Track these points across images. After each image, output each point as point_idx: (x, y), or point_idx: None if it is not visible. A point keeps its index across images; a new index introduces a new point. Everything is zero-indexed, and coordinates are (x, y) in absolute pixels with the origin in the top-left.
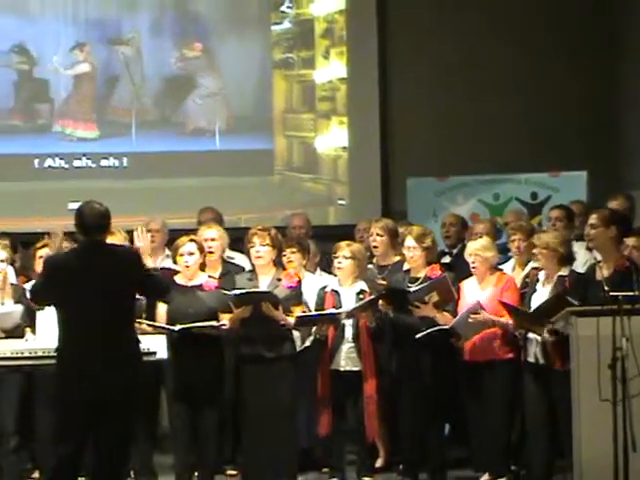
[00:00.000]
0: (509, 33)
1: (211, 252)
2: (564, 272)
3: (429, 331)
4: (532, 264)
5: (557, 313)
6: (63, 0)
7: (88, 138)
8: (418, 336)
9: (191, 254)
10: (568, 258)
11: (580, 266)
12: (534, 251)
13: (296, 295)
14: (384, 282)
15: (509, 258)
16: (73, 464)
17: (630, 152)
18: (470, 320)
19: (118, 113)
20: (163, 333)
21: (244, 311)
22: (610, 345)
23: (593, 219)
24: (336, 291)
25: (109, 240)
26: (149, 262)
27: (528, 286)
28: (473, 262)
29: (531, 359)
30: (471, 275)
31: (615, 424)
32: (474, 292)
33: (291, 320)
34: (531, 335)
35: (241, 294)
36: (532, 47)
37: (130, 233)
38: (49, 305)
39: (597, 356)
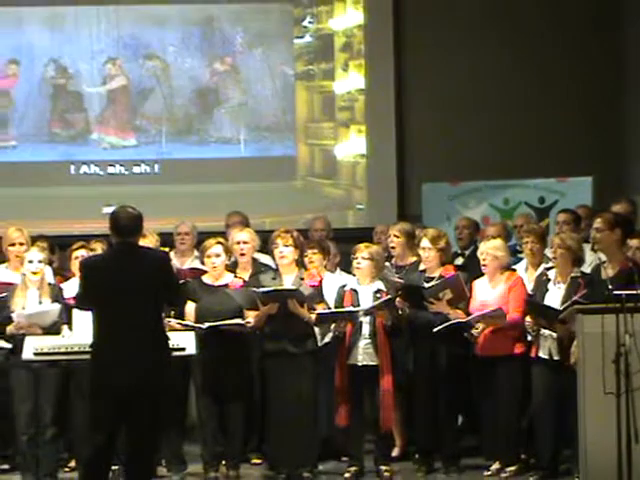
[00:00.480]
0: (518, 47)
1: (243, 254)
2: (575, 273)
3: (447, 324)
4: (544, 265)
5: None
6: (97, 17)
7: (121, 146)
8: (436, 329)
9: (218, 255)
10: (580, 260)
11: (586, 267)
12: (550, 250)
13: (317, 293)
14: (401, 280)
15: (519, 260)
16: (107, 453)
17: (632, 159)
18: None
19: (150, 123)
20: (192, 330)
21: (271, 308)
22: (614, 341)
23: (598, 223)
24: (355, 290)
25: (141, 242)
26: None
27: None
28: (484, 260)
29: (544, 354)
30: (483, 275)
31: (619, 416)
32: (485, 290)
33: (312, 317)
34: (546, 332)
35: (270, 291)
36: (539, 60)
37: (161, 236)
38: (92, 309)
39: (602, 351)
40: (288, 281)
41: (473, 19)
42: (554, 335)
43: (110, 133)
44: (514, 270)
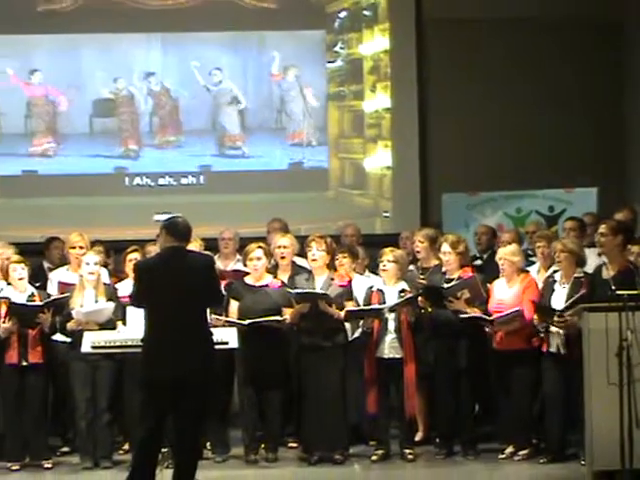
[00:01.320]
0: (530, 73)
1: (283, 257)
2: (578, 274)
3: (472, 316)
4: (554, 267)
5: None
6: (147, 42)
7: (170, 160)
8: (462, 316)
9: (259, 259)
10: (582, 261)
11: (591, 269)
12: (556, 254)
13: (347, 292)
14: (423, 281)
15: (530, 263)
16: (157, 437)
17: (633, 171)
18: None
19: (196, 138)
20: (234, 326)
21: (303, 307)
22: (617, 336)
23: (602, 229)
24: (381, 290)
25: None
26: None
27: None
28: (502, 264)
29: (553, 349)
30: (500, 276)
31: (621, 404)
32: (502, 290)
33: (342, 314)
34: (553, 329)
35: (302, 293)
36: (550, 82)
37: (206, 241)
38: (145, 307)
39: (606, 346)
40: (320, 282)
41: (492, 45)
42: (561, 332)
43: (160, 147)
44: (528, 272)
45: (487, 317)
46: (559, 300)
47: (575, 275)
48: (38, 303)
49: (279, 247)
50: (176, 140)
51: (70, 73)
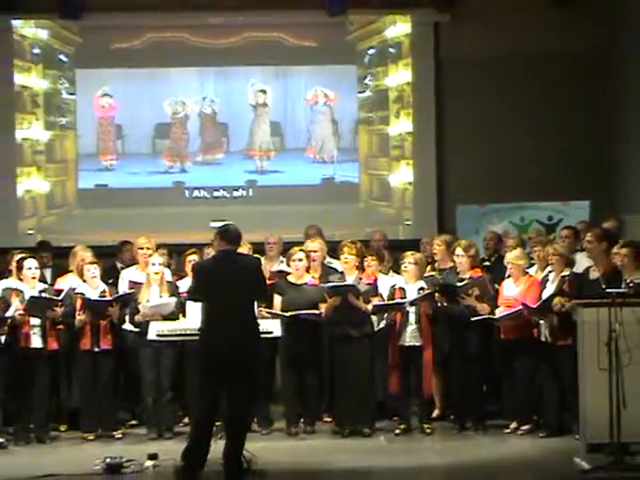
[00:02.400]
0: (532, 99)
1: (314, 259)
2: (565, 272)
3: (480, 318)
4: (549, 268)
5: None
6: (199, 75)
7: (223, 175)
8: (474, 319)
9: (300, 260)
10: (571, 263)
11: (581, 270)
12: (549, 257)
13: (373, 289)
14: (440, 281)
15: (532, 264)
16: (212, 412)
17: (620, 188)
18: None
19: (245, 157)
20: (278, 318)
21: (335, 300)
22: (607, 328)
23: (589, 237)
24: (403, 287)
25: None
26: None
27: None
28: (510, 267)
29: (543, 338)
30: (507, 277)
31: (610, 387)
32: (510, 288)
33: (369, 307)
34: (542, 322)
35: (334, 287)
36: (549, 110)
37: (254, 245)
38: (202, 301)
39: (597, 336)
40: (350, 280)
41: (499, 78)
42: (546, 324)
43: (210, 164)
44: (529, 274)
45: (493, 317)
46: (547, 296)
47: (562, 274)
48: (108, 298)
49: (309, 251)
50: (224, 158)
51: (137, 101)
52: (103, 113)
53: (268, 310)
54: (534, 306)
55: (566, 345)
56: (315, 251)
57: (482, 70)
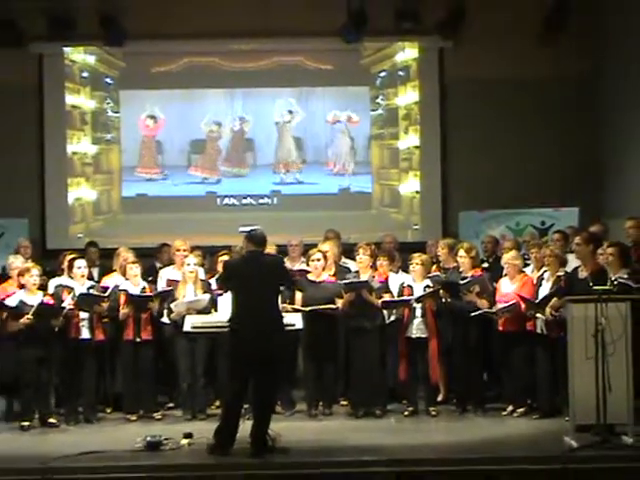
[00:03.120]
0: (527, 116)
1: (326, 258)
2: (560, 272)
3: (479, 312)
4: (544, 268)
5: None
6: (231, 96)
7: (251, 184)
8: (472, 314)
9: (319, 260)
10: (565, 262)
11: (570, 269)
12: (545, 258)
13: (385, 287)
14: (444, 279)
15: (526, 264)
16: (241, 396)
17: (606, 197)
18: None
19: (270, 169)
20: (299, 312)
21: (350, 296)
22: (593, 322)
23: (577, 240)
24: (411, 285)
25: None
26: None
27: (539, 283)
28: (507, 267)
29: (539, 331)
30: (504, 275)
31: (597, 374)
32: (507, 286)
33: (380, 303)
34: (538, 315)
35: (349, 283)
36: (543, 127)
37: (278, 247)
38: (227, 291)
39: (585, 329)
40: (364, 278)
41: (497, 98)
42: (543, 317)
43: (237, 176)
44: (524, 272)
45: (491, 311)
46: (543, 293)
47: (557, 274)
48: (148, 294)
49: (321, 251)
50: (251, 170)
51: (173, 118)
52: (147, 132)
53: (290, 305)
54: (530, 298)
55: (558, 337)
56: (327, 251)
57: (482, 91)
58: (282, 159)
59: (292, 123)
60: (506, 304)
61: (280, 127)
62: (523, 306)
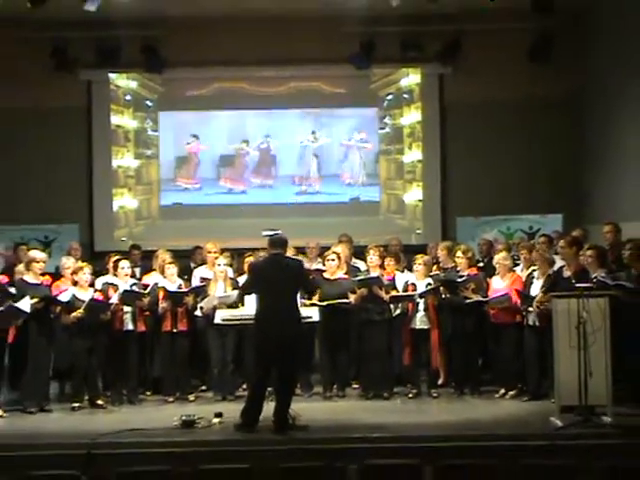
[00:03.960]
0: (516, 134)
1: (339, 259)
2: (550, 271)
3: (474, 300)
4: (533, 267)
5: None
6: (256, 118)
7: (271, 195)
8: (467, 302)
9: (333, 260)
10: (552, 263)
11: (555, 268)
12: (535, 258)
13: (392, 284)
14: (443, 277)
15: (517, 264)
16: (265, 380)
17: (586, 205)
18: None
19: (288, 180)
20: (316, 306)
21: (362, 292)
22: (576, 315)
23: (561, 243)
24: (414, 283)
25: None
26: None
27: (528, 281)
28: (498, 266)
29: (531, 323)
30: (496, 273)
31: (579, 361)
32: (498, 283)
33: (387, 298)
34: (530, 309)
35: (362, 279)
36: (530, 144)
37: (297, 249)
38: (251, 293)
39: (568, 321)
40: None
41: (490, 118)
42: (535, 310)
43: (262, 187)
44: (515, 271)
45: (483, 299)
46: (535, 289)
47: (548, 273)
48: (184, 290)
49: (335, 253)
50: (274, 182)
51: (206, 136)
52: (189, 149)
53: (309, 300)
54: (521, 289)
55: (545, 328)
56: (340, 253)
57: (477, 112)
58: (303, 173)
59: (315, 144)
60: (497, 294)
61: (303, 146)
62: (517, 300)
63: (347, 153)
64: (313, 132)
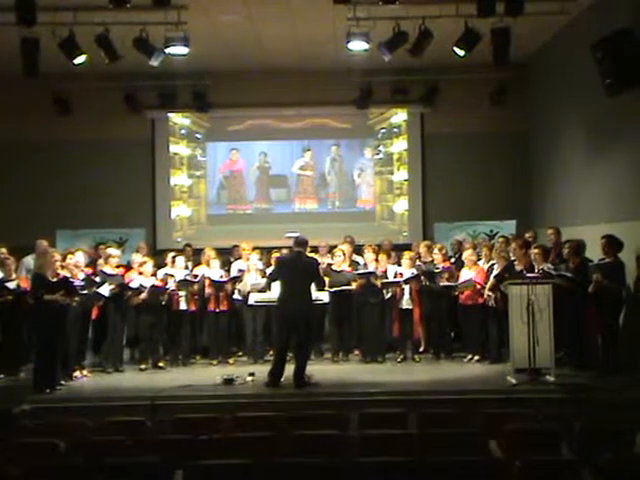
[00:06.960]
0: (480, 158)
1: (344, 255)
2: (503, 265)
3: (445, 285)
4: (492, 261)
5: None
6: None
7: (289, 203)
8: (442, 284)
9: (339, 256)
10: (507, 258)
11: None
12: (494, 254)
13: (384, 275)
14: (424, 268)
15: (480, 259)
16: (285, 346)
17: (535, 212)
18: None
19: (304, 193)
20: (326, 291)
21: (362, 281)
22: (526, 298)
23: (514, 245)
24: (402, 272)
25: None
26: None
27: (489, 271)
28: (466, 261)
29: (491, 304)
30: (465, 266)
31: (529, 333)
32: (466, 274)
33: (380, 284)
34: (489, 293)
35: (361, 273)
36: (490, 165)
37: (311, 247)
38: (276, 280)
39: (520, 303)
40: (370, 269)
41: (460, 146)
42: (492, 295)
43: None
44: (478, 264)
45: (452, 284)
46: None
47: (503, 265)
48: (225, 279)
49: (341, 250)
50: (291, 192)
51: (242, 160)
52: (230, 167)
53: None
54: (483, 282)
55: (503, 309)
56: (344, 250)
57: (450, 142)
58: (326, 192)
59: (335, 168)
60: (463, 280)
61: (325, 170)
62: (479, 285)
63: (348, 174)
64: (333, 159)
